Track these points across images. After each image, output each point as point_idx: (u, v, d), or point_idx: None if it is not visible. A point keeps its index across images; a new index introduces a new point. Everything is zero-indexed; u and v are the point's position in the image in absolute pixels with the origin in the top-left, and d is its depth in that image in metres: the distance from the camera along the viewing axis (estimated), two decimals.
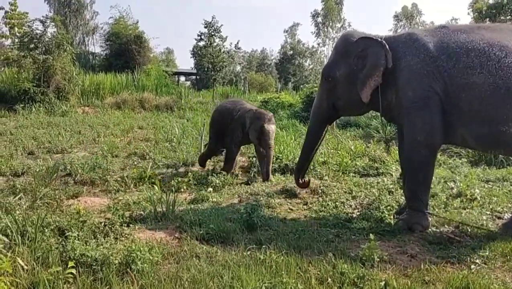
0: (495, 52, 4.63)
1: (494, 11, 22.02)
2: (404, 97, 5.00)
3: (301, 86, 27.36)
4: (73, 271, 3.32)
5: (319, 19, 45.94)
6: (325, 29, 46.31)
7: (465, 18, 69.13)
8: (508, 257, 4.07)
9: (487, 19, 21.84)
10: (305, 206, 5.95)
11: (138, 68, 23.82)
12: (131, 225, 4.72)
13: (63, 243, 3.84)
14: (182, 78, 38.94)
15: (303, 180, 6.12)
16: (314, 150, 6.08)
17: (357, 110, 5.85)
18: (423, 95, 4.84)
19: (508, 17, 22.12)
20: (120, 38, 26.67)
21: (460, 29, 5.12)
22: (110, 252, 3.69)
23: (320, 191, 6.45)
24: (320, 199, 6.14)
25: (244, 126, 7.46)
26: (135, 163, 8.36)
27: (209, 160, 8.53)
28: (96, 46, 36.39)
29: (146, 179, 6.88)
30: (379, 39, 5.15)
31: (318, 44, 46.68)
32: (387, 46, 5.03)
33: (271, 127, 7.40)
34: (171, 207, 5.28)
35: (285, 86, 38.10)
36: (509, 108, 4.44)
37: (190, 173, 7.38)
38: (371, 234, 4.07)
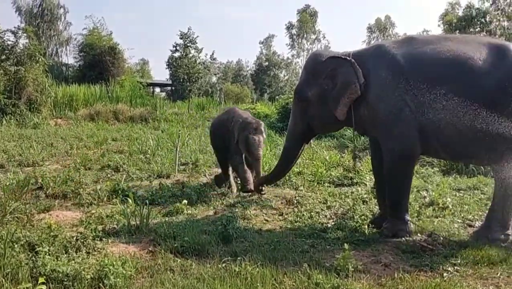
0: (461, 63, 4.74)
1: (463, 23, 22.64)
2: (376, 110, 5.08)
3: (277, 97, 27.52)
4: (44, 287, 3.24)
5: (294, 31, 46.41)
6: (300, 41, 46.80)
7: (436, 30, 70.67)
8: (479, 264, 4.15)
9: (457, 31, 22.43)
10: (280, 217, 5.94)
11: (112, 79, 23.59)
12: (104, 239, 4.65)
13: (34, 258, 3.75)
14: (157, 89, 38.66)
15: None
16: (289, 167, 6.15)
17: (332, 128, 5.98)
18: (395, 107, 4.92)
19: (477, 29, 22.76)
20: (94, 49, 26.45)
21: (427, 40, 5.26)
22: (82, 267, 3.63)
23: (295, 201, 6.47)
24: (296, 209, 6.15)
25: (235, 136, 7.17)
26: (109, 175, 8.24)
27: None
28: (69, 57, 35.70)
29: (120, 192, 6.77)
30: (347, 57, 5.19)
31: (293, 55, 47.16)
32: (356, 64, 5.09)
33: (257, 138, 6.88)
34: (145, 220, 5.21)
35: (261, 97, 38.26)
36: (475, 118, 4.54)
37: (164, 185, 7.32)
38: (345, 244, 4.10)
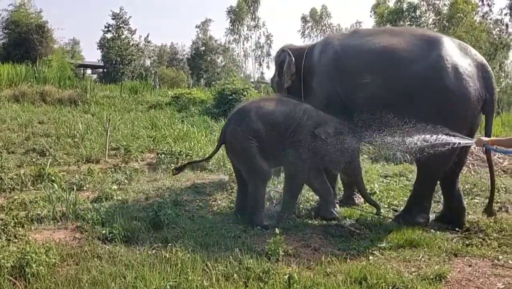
0: (389, 55, 4.93)
1: (395, 16, 23.45)
2: (314, 97, 5.36)
3: (213, 82, 27.30)
4: None
5: (233, 16, 46.09)
6: (239, 27, 46.61)
7: (368, 21, 72.89)
8: (403, 248, 4.35)
9: (388, 23, 23.20)
10: (214, 203, 5.92)
11: (39, 59, 22.36)
12: (26, 225, 4.42)
13: None
14: (89, 71, 37.04)
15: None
16: None
17: None
18: (327, 94, 5.19)
19: (407, 23, 23.65)
20: (20, 27, 24.86)
21: (367, 33, 5.58)
22: (1, 255, 3.44)
23: (229, 187, 6.47)
24: (230, 196, 6.15)
25: None
26: (34, 160, 7.82)
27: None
28: None
29: (45, 176, 6.46)
30: (288, 50, 5.77)
31: (229, 42, 46.91)
32: (292, 56, 5.71)
33: None
34: (71, 206, 5.01)
35: (197, 82, 37.76)
36: (400, 107, 4.71)
37: (93, 170, 7.06)
38: (276, 229, 4.16)
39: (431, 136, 4.30)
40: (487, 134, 4.96)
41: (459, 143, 4.29)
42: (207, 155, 6.42)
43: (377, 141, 4.91)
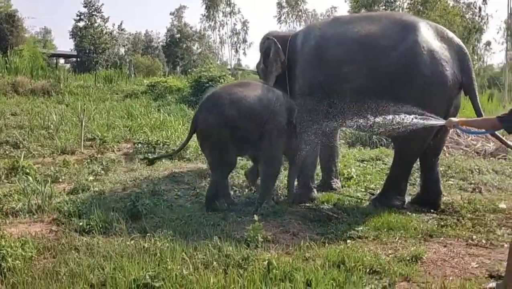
0: (368, 43, 4.98)
1: (370, 0, 23.44)
2: (297, 85, 5.43)
3: (190, 70, 27.03)
4: None
5: (209, 3, 45.48)
6: (214, 13, 46.05)
7: (343, 6, 73.00)
8: (380, 230, 4.41)
9: (363, 8, 23.20)
10: (192, 192, 5.90)
11: (11, 49, 21.79)
12: (0, 220, 4.35)
13: None
14: (62, 61, 36.29)
15: None
16: None
17: None
18: (309, 83, 5.23)
19: (382, 7, 23.67)
20: None
21: (347, 20, 5.67)
22: None
23: (207, 175, 6.45)
24: (208, 184, 6.12)
25: None
26: (7, 152, 7.69)
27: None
28: None
29: (20, 169, 6.34)
30: (274, 38, 5.69)
31: (205, 28, 46.38)
32: (278, 44, 5.60)
33: None
34: (47, 199, 4.94)
35: (173, 70, 37.37)
36: (381, 95, 4.75)
37: (69, 162, 6.96)
38: (255, 215, 4.18)
39: (403, 116, 4.35)
40: (478, 115, 5.05)
41: (430, 123, 4.34)
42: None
43: (352, 124, 5.01)
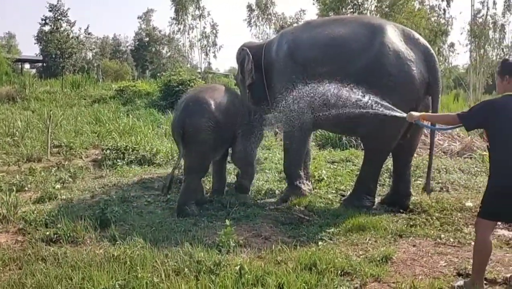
0: (338, 47, 5.09)
1: (337, 3, 23.66)
2: (276, 90, 5.44)
3: (159, 74, 26.81)
4: None
5: (177, 6, 45.13)
6: (183, 17, 45.71)
7: (312, 9, 73.54)
8: (351, 232, 4.45)
9: (331, 11, 23.40)
10: (163, 198, 5.83)
11: None
12: None
13: None
14: (27, 66, 35.61)
15: None
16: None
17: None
18: (286, 86, 5.22)
19: (350, 11, 23.93)
20: None
21: (318, 24, 5.73)
22: None
23: (178, 181, 6.38)
24: (179, 189, 6.06)
25: None
26: None
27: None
28: None
29: None
30: (247, 49, 5.75)
31: (174, 32, 46.02)
32: (250, 54, 5.66)
33: None
34: (12, 208, 4.81)
35: (142, 74, 37.02)
36: (344, 94, 4.80)
37: (35, 170, 6.79)
38: (227, 220, 4.15)
39: (368, 98, 4.45)
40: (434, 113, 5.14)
41: (392, 113, 4.41)
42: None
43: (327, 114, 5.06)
